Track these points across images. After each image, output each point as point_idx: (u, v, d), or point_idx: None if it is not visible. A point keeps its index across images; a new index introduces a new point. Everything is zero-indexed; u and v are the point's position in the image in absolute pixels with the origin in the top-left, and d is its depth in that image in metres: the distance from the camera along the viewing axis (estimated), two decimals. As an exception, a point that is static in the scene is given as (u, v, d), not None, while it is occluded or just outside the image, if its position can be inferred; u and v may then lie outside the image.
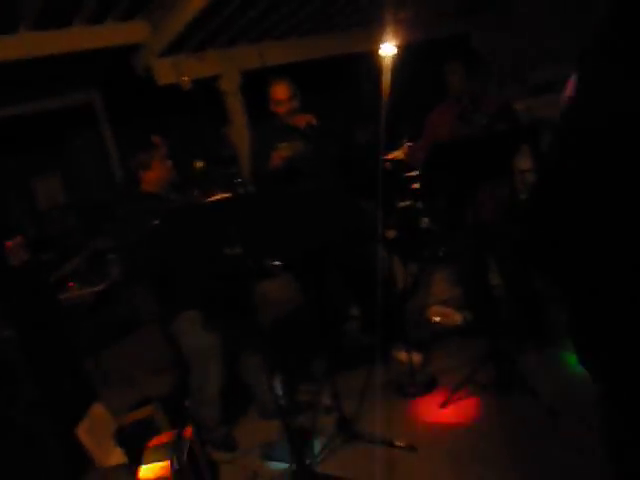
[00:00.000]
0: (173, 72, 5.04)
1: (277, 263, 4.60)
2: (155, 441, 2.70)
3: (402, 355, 3.35)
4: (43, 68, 4.91)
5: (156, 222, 2.29)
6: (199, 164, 3.19)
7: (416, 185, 4.82)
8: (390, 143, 6.04)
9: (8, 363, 2.93)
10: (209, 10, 4.23)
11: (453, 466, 2.53)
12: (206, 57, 5.22)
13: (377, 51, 5.73)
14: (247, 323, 2.91)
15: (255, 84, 5.31)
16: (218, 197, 2.32)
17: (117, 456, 3.08)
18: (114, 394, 3.63)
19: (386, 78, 5.92)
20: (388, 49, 5.73)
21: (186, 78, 4.84)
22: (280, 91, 3.26)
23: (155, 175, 2.85)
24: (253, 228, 2.26)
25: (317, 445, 2.87)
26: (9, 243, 2.97)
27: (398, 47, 5.81)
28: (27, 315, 3.00)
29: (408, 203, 5.00)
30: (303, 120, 3.20)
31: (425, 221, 5.35)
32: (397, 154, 5.88)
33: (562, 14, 5.03)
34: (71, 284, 3.82)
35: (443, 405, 2.96)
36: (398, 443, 2.72)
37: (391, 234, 4.66)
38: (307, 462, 2.66)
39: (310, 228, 2.38)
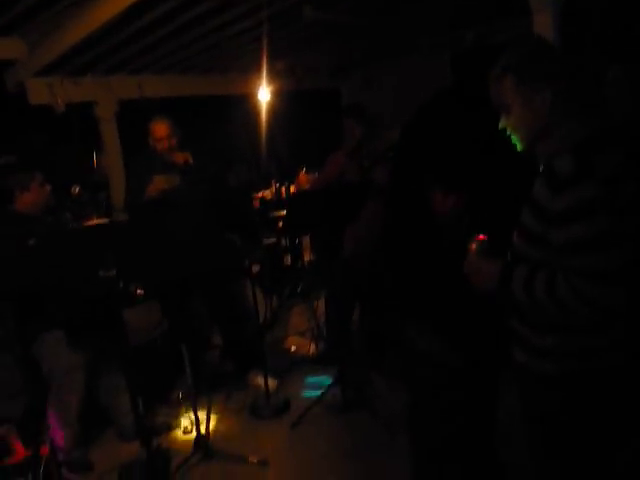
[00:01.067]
0: (47, 93, 5.00)
1: (140, 291, 4.68)
2: (9, 460, 2.70)
3: (258, 380, 3.60)
4: None
5: (31, 243, 2.36)
6: (76, 189, 3.27)
7: (280, 224, 5.17)
8: (261, 183, 6.40)
9: None
10: (89, 40, 4.31)
11: (298, 478, 2.82)
12: (83, 82, 5.23)
13: (253, 95, 6.09)
14: (111, 345, 3.03)
15: (131, 114, 5.43)
16: (94, 222, 2.46)
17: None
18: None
19: (260, 121, 6.32)
20: (263, 94, 6.12)
21: (60, 102, 4.89)
22: (160, 129, 3.46)
23: (32, 198, 2.90)
24: (125, 253, 2.43)
25: (174, 464, 3.01)
26: None
27: (273, 94, 6.23)
28: None
29: (273, 240, 5.34)
30: (181, 158, 3.42)
31: (287, 259, 5.73)
32: (266, 193, 6.25)
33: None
34: None
35: (294, 425, 3.25)
36: (251, 459, 2.95)
37: (255, 269, 4.95)
38: None
39: (178, 258, 2.59)
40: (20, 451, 2.82)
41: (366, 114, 3.98)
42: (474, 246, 1.75)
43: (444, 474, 2.13)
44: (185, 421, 3.35)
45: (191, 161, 3.42)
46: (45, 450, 2.75)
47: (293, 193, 5.61)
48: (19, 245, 2.50)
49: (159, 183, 3.26)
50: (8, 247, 2.58)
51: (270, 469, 2.90)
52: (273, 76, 6.08)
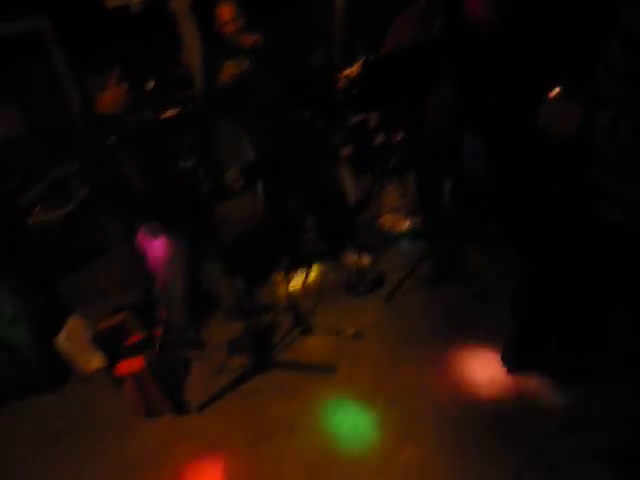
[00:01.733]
0: (122, -7, 5.00)
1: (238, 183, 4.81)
2: (129, 341, 3.01)
3: (352, 258, 3.65)
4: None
5: (110, 141, 2.44)
6: (150, 85, 3.30)
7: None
8: (346, 62, 6.12)
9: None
10: None
11: (392, 347, 2.90)
12: (154, -24, 5.16)
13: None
14: (207, 234, 3.17)
15: (207, 3, 5.30)
16: (169, 114, 2.49)
17: (97, 360, 3.38)
18: (88, 308, 3.87)
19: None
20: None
21: (135, 1, 4.87)
22: (225, 12, 3.35)
23: (110, 97, 2.97)
24: (204, 141, 2.46)
25: (275, 338, 3.20)
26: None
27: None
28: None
29: (361, 118, 5.18)
30: (249, 40, 3.32)
31: (380, 136, 5.56)
32: (351, 70, 5.99)
33: None
34: (37, 209, 3.97)
35: (387, 298, 3.31)
36: (347, 331, 3.07)
37: (346, 151, 4.88)
38: (266, 352, 3.01)
39: (256, 140, 2.58)
40: (138, 333, 3.12)
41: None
42: (551, 93, 1.58)
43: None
44: (284, 299, 3.50)
45: (259, 41, 3.31)
46: (159, 332, 3.01)
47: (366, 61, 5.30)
48: (100, 145, 2.60)
49: (229, 69, 3.21)
50: (95, 149, 2.70)
51: (364, 340, 3.01)
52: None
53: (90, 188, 3.41)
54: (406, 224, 4.19)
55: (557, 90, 1.58)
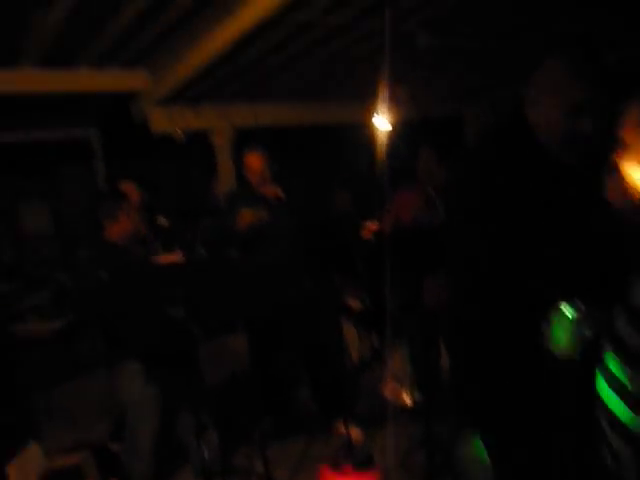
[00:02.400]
0: (168, 122, 5.21)
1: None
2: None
3: (343, 428, 3.35)
4: (45, 100, 5.07)
5: (102, 275, 2.35)
6: (162, 220, 3.30)
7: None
8: (368, 213, 6.18)
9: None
10: (208, 69, 4.41)
11: None
12: (201, 110, 5.40)
13: (368, 123, 5.94)
14: (188, 380, 2.95)
15: (246, 141, 5.51)
16: (169, 260, 2.39)
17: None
18: (54, 432, 3.60)
19: (377, 150, 6.12)
20: (381, 122, 5.94)
21: (179, 131, 5.05)
22: (253, 161, 3.39)
23: (119, 227, 2.93)
24: (199, 292, 2.33)
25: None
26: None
27: (391, 122, 6.02)
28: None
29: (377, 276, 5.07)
30: (272, 191, 3.32)
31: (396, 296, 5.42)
32: (375, 225, 6.00)
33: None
34: (31, 317, 3.85)
35: (372, 486, 2.96)
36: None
37: (356, 305, 4.72)
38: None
39: (255, 298, 2.45)
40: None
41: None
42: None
43: None
44: (259, 465, 3.17)
45: (281, 195, 3.30)
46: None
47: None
48: (93, 275, 2.51)
49: (247, 216, 3.18)
50: (88, 277, 2.60)
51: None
52: (392, 103, 5.89)
53: (76, 311, 3.28)
54: (408, 399, 3.91)
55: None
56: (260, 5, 3.44)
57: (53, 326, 3.86)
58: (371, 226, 5.93)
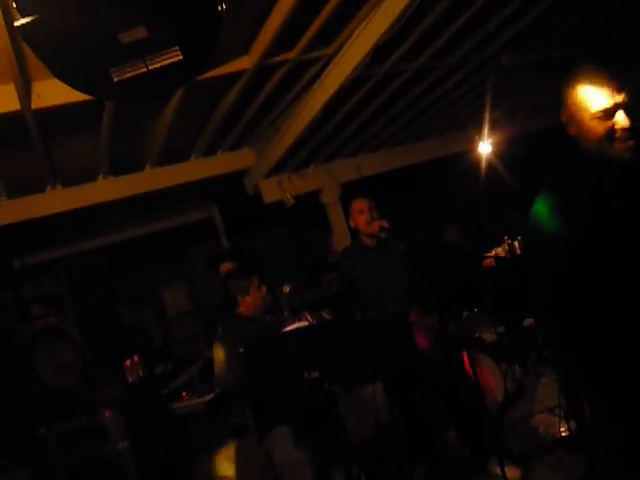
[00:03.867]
0: (277, 190, 5.52)
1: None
2: None
3: (497, 469, 3.24)
4: (169, 192, 5.60)
5: (240, 350, 2.52)
6: (287, 288, 3.47)
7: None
8: (484, 241, 6.05)
9: (123, 472, 3.26)
10: (308, 133, 4.67)
11: None
12: (307, 173, 5.67)
13: (470, 151, 5.89)
14: (333, 437, 3.03)
15: (352, 194, 5.68)
16: (295, 326, 2.53)
17: None
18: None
19: (483, 176, 6.03)
20: (484, 148, 5.87)
21: (289, 196, 5.33)
22: (359, 205, 3.55)
23: (251, 300, 3.14)
24: (329, 354, 2.43)
25: None
26: (127, 362, 3.37)
27: (494, 144, 5.93)
28: (140, 428, 3.33)
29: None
30: (377, 226, 3.43)
31: (529, 320, 5.20)
32: (498, 250, 5.84)
33: None
34: (184, 394, 4.16)
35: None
36: None
37: (489, 337, 4.59)
38: None
39: (377, 356, 2.50)
40: None
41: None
42: None
43: None
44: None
45: (387, 225, 3.38)
46: None
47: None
48: (231, 351, 2.69)
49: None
50: (221, 353, 2.80)
51: None
52: (491, 126, 5.81)
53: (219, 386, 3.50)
54: (564, 429, 3.69)
55: None
56: (342, 68, 3.63)
57: (204, 399, 4.13)
58: (491, 254, 5.80)
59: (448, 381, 3.48)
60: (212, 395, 4.17)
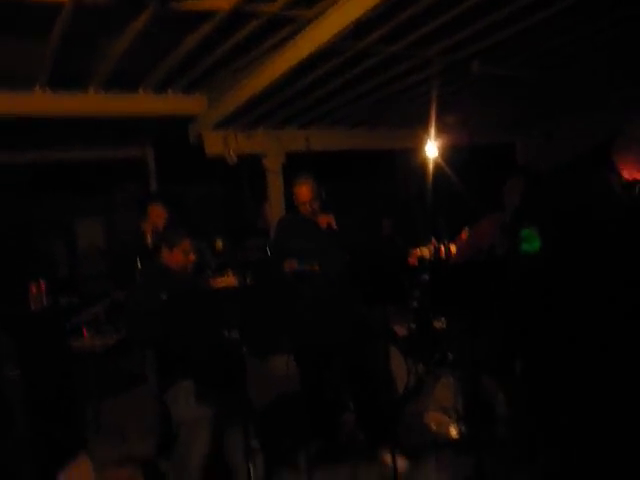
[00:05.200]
0: (221, 144, 5.34)
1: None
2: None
3: (387, 458, 3.32)
4: (107, 122, 5.28)
5: (163, 297, 2.42)
6: (219, 244, 3.37)
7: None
8: (416, 239, 6.17)
9: (8, 401, 3.06)
10: (263, 95, 4.53)
11: None
12: (255, 135, 5.53)
13: (418, 149, 5.95)
14: (237, 401, 2.99)
15: (297, 166, 5.59)
16: (223, 283, 2.45)
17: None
18: (103, 445, 3.67)
19: (426, 176, 6.12)
20: (431, 149, 5.95)
21: (232, 153, 5.18)
22: (303, 193, 3.42)
23: (175, 258, 3.01)
24: (253, 317, 2.38)
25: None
26: (33, 288, 3.16)
27: (441, 148, 6.02)
28: (35, 358, 3.14)
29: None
30: (324, 221, 3.36)
31: (441, 321, 5.36)
32: (424, 251, 5.97)
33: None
34: (85, 332, 3.96)
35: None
36: None
37: (401, 331, 4.69)
38: None
39: (307, 327, 2.47)
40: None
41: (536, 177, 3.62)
42: None
43: None
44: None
45: (334, 226, 3.32)
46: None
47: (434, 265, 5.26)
48: (152, 297, 2.58)
49: (292, 264, 3.21)
50: (142, 296, 2.67)
51: None
52: (442, 130, 5.89)
53: (128, 333, 3.36)
54: (454, 430, 3.84)
55: None
56: (318, 35, 3.53)
57: (107, 341, 3.96)
58: (417, 252, 5.92)
59: (359, 366, 3.52)
60: (115, 338, 4.01)
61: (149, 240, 3.70)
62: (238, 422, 3.10)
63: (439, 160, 6.00)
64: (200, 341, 2.49)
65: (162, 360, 3.00)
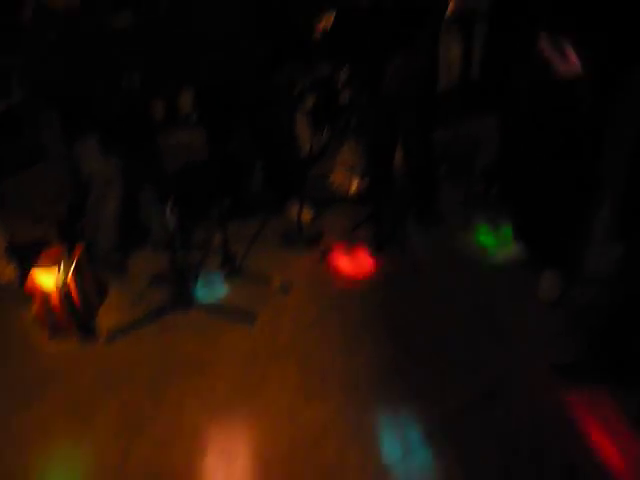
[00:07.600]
0: None
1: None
2: (45, 254, 2.82)
3: (295, 210, 3.56)
4: None
5: (51, 38, 2.23)
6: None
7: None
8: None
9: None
10: None
11: (316, 305, 2.88)
12: None
13: None
14: (149, 159, 3.01)
15: None
16: (122, 22, 2.29)
17: (10, 272, 3.17)
18: (10, 216, 3.63)
19: None
20: None
21: None
22: None
23: None
24: (155, 54, 2.28)
25: (200, 277, 3.13)
26: None
27: None
28: None
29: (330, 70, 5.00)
30: None
31: (346, 93, 5.39)
32: (327, 20, 5.74)
33: None
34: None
35: (321, 258, 3.27)
36: (275, 282, 3.01)
37: (308, 101, 4.71)
38: (189, 290, 2.93)
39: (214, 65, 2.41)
40: (57, 247, 2.92)
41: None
42: None
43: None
44: (216, 240, 3.38)
45: None
46: (79, 247, 2.86)
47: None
48: (43, 41, 2.37)
49: None
50: (33, 42, 2.46)
51: (290, 294, 2.97)
52: None
53: (28, 86, 3.14)
54: (355, 185, 4.12)
55: None
56: None
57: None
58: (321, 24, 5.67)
59: (268, 124, 3.56)
60: (9, 101, 3.73)
61: None
62: (151, 180, 3.17)
63: None
64: (100, 89, 2.38)
65: (66, 117, 2.86)
